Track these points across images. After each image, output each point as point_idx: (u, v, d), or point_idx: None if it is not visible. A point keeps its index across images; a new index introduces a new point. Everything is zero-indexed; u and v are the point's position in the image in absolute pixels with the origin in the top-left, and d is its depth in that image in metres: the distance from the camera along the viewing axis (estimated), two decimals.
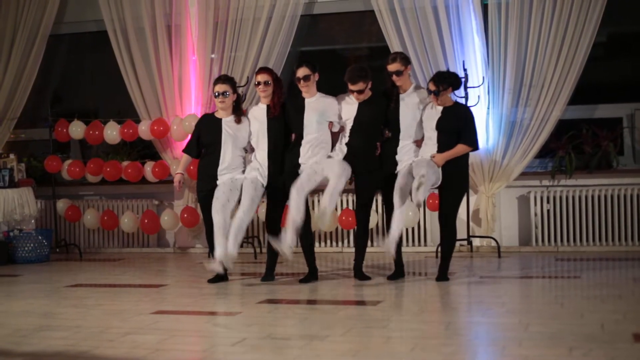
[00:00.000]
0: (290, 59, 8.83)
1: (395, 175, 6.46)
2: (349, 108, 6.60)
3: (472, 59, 8.29)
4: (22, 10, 9.54)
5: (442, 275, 6.52)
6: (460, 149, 6.38)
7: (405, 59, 6.57)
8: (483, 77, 8.25)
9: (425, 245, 8.61)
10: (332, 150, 6.65)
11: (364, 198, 6.67)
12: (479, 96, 8.15)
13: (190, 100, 9.08)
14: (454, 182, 6.45)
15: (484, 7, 8.36)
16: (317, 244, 8.09)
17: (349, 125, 6.59)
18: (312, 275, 6.72)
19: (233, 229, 6.49)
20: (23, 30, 9.54)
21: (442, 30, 8.34)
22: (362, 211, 6.69)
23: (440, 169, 6.34)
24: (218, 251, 6.55)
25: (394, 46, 8.36)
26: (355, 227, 6.89)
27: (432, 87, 6.37)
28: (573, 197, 8.24)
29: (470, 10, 8.31)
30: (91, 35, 9.85)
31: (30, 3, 9.52)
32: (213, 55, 9.04)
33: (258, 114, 6.75)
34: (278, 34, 8.80)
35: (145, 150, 9.54)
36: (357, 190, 6.71)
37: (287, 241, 6.34)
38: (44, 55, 9.63)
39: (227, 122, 6.75)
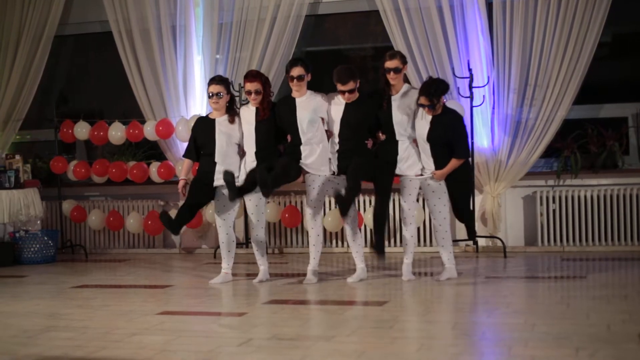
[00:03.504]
0: None
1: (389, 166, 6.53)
2: (336, 109, 6.60)
3: (477, 58, 8.28)
4: (26, 11, 9.55)
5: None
6: (455, 163, 6.43)
7: (404, 58, 6.57)
8: (488, 77, 8.24)
9: (430, 245, 8.60)
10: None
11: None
12: (484, 96, 8.15)
13: (195, 101, 9.09)
14: (459, 183, 6.56)
15: (489, 7, 8.34)
16: (323, 244, 8.06)
17: (336, 129, 6.58)
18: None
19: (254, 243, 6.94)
20: (28, 31, 9.55)
21: (447, 30, 8.33)
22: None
23: (443, 181, 6.50)
24: (224, 265, 6.91)
25: (399, 46, 8.35)
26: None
27: (426, 102, 6.29)
28: (579, 197, 8.23)
29: (475, 10, 8.30)
30: (96, 36, 9.86)
31: (35, 4, 9.53)
32: (218, 56, 9.05)
33: (248, 116, 6.78)
34: (283, 35, 8.80)
35: (150, 151, 9.55)
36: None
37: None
38: (49, 56, 9.64)
39: (221, 121, 6.81)
